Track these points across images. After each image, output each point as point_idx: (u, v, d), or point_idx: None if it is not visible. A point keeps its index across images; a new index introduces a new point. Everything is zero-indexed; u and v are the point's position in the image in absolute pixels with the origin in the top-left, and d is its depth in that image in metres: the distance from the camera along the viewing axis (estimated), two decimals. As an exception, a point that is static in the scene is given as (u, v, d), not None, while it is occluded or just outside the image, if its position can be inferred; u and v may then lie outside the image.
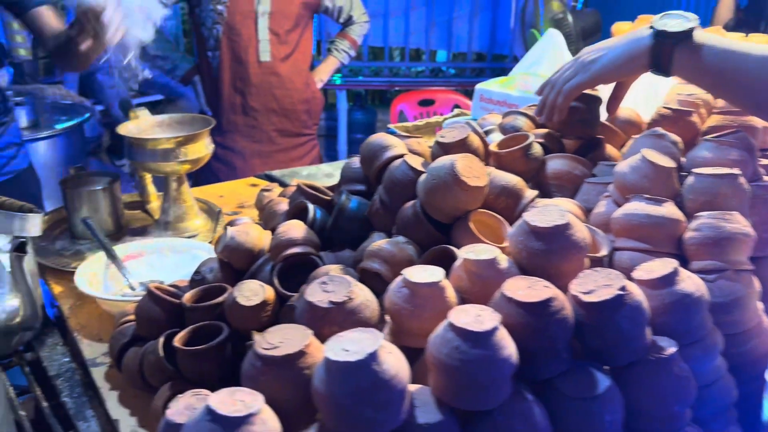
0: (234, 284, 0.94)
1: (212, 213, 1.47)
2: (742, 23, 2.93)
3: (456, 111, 1.85)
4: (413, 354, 0.55)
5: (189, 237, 1.36)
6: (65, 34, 1.38)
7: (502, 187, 0.82)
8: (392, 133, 1.69)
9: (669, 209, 0.68)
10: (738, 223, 0.66)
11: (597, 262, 0.66)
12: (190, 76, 2.31)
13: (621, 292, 0.53)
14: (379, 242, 0.79)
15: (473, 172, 0.77)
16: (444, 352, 0.48)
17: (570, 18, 2.76)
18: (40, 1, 1.44)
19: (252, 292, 0.85)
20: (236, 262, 0.96)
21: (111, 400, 0.90)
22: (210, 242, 1.33)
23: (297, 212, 1.02)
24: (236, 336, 0.85)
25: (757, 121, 0.96)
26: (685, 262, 0.67)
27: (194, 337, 0.85)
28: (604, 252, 0.68)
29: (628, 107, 1.16)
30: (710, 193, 0.71)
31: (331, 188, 1.16)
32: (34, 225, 1.04)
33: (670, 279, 0.58)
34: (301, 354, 0.49)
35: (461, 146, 0.86)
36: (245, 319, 0.83)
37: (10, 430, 0.89)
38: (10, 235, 1.05)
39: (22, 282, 1.01)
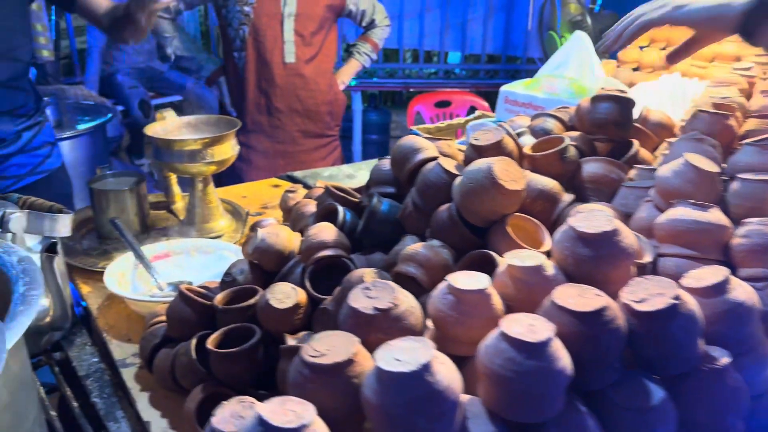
0: (264, 286, 0.93)
1: (237, 213, 1.47)
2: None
3: (477, 113, 1.84)
4: (457, 362, 0.54)
5: (214, 237, 1.36)
6: (120, 9, 1.42)
7: (539, 191, 0.81)
8: (415, 134, 1.68)
9: (715, 215, 0.67)
10: (787, 229, 0.64)
11: (641, 269, 0.65)
12: (216, 77, 2.33)
13: (675, 301, 0.52)
14: (414, 246, 0.78)
15: (511, 175, 0.76)
16: (497, 363, 0.47)
17: (589, 20, 2.74)
18: None
19: (284, 295, 0.84)
20: (266, 264, 0.96)
21: (141, 401, 0.90)
22: (236, 243, 1.33)
23: (326, 214, 1.02)
24: (268, 338, 0.85)
25: (797, 125, 0.94)
26: (731, 269, 0.65)
27: (226, 339, 0.85)
28: (648, 258, 0.67)
29: (658, 110, 1.14)
30: (757, 198, 0.69)
31: (358, 190, 1.15)
32: (64, 225, 1.04)
33: (721, 287, 0.57)
34: (349, 362, 0.49)
35: (496, 149, 0.85)
36: (278, 321, 0.83)
37: (42, 430, 0.89)
38: (40, 235, 1.05)
39: (52, 282, 1.02)
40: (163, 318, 0.96)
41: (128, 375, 0.95)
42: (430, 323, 0.59)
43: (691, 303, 0.54)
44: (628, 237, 0.60)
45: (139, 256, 1.14)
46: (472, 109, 3.64)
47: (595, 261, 0.58)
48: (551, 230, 0.79)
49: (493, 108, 3.42)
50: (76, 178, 1.79)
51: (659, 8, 0.97)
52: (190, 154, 1.29)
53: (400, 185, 0.99)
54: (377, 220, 0.91)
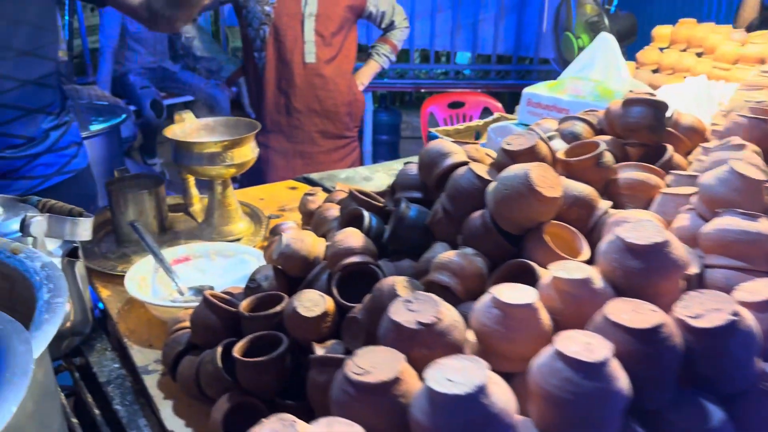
0: (289, 292, 0.92)
1: (255, 216, 1.45)
2: (766, 22, 2.85)
3: (496, 114, 1.81)
4: (503, 378, 0.52)
5: (233, 240, 1.34)
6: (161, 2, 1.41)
7: (575, 198, 0.78)
8: (434, 137, 1.66)
9: (765, 225, 0.64)
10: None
11: (687, 281, 0.63)
12: (236, 78, 2.32)
13: (734, 318, 0.50)
14: (446, 254, 0.76)
15: (548, 181, 0.73)
16: (553, 384, 0.45)
17: (606, 21, 2.71)
18: None
19: (312, 303, 0.82)
20: (291, 270, 0.94)
21: (165, 409, 0.89)
22: (255, 246, 1.31)
23: (351, 219, 1.00)
24: (295, 347, 0.83)
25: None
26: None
27: (252, 347, 0.83)
28: (694, 270, 0.64)
29: (690, 114, 1.11)
30: (807, 208, 0.67)
31: (380, 194, 1.14)
32: (84, 229, 1.03)
33: (777, 301, 0.54)
34: (396, 381, 0.47)
35: (529, 154, 0.83)
36: (305, 329, 0.81)
37: (64, 437, 0.88)
38: (60, 239, 1.04)
39: (73, 287, 1.00)
40: (186, 324, 0.95)
41: (151, 382, 0.94)
42: (470, 336, 0.57)
43: (749, 319, 0.52)
44: (679, 248, 0.58)
45: (160, 260, 1.12)
46: (486, 110, 3.61)
47: (645, 273, 0.56)
48: (588, 238, 0.77)
49: (507, 109, 3.40)
50: (91, 180, 1.77)
51: None
52: (209, 157, 1.27)
53: (428, 190, 0.97)
54: (405, 226, 0.89)
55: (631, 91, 1.20)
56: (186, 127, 1.37)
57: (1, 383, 0.59)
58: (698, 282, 0.66)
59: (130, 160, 3.61)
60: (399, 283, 0.76)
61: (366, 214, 0.96)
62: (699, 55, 2.03)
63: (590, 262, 0.73)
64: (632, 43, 2.95)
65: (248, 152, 1.31)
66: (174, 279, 1.10)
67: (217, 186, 1.34)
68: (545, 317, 0.54)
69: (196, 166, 1.29)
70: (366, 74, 2.43)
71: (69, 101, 1.58)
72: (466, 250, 0.76)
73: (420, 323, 0.52)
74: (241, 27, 2.19)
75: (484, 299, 0.55)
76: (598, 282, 0.57)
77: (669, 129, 1.03)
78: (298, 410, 0.80)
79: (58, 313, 0.74)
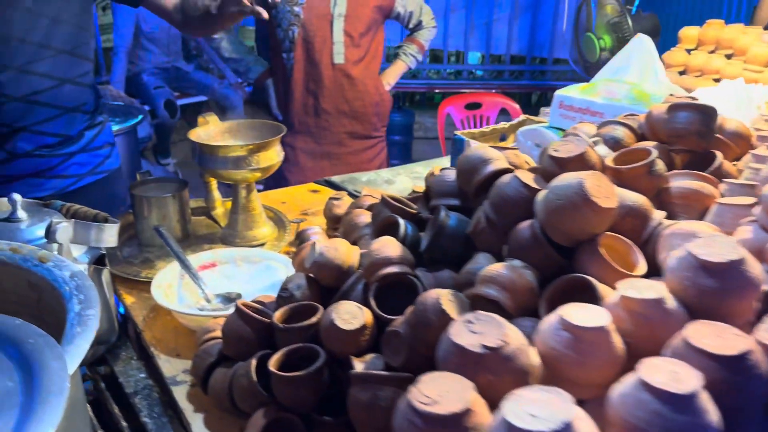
0: (322, 302, 0.89)
1: (279, 221, 1.42)
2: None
3: (522, 117, 1.77)
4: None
5: (257, 245, 1.32)
6: (206, 7, 1.40)
7: (629, 208, 0.75)
8: (459, 140, 1.63)
9: (841, 240, 0.61)
10: None
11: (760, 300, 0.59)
12: (263, 79, 2.29)
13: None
14: (494, 266, 0.73)
15: (603, 191, 0.70)
16: (640, 416, 0.41)
17: (630, 21, 2.66)
18: None
19: (350, 315, 0.79)
20: (325, 279, 0.91)
21: (196, 423, 0.86)
22: (279, 251, 1.28)
23: (385, 227, 0.97)
24: (332, 360, 0.80)
25: None
26: None
27: (287, 359, 0.80)
28: (766, 287, 0.60)
29: (734, 118, 1.07)
30: None
31: (412, 200, 1.10)
32: (110, 235, 1.01)
33: None
34: (467, 412, 0.43)
35: (579, 161, 0.80)
36: (343, 343, 0.78)
37: (92, 451, 0.85)
38: (86, 245, 1.02)
39: (101, 296, 0.98)
40: (217, 334, 0.92)
41: (180, 394, 0.91)
42: (534, 357, 0.53)
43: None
44: (755, 266, 0.54)
45: (187, 267, 1.09)
46: (503, 111, 3.57)
47: (720, 293, 0.52)
48: (642, 251, 0.74)
49: (524, 110, 3.36)
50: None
51: None
52: (234, 161, 1.25)
53: (466, 197, 0.93)
54: (446, 235, 0.86)
55: (671, 95, 1.16)
56: (210, 130, 1.35)
57: (36, 403, 0.56)
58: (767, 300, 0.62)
59: (144, 160, 3.59)
60: (443, 296, 0.72)
61: (401, 221, 0.93)
62: (728, 56, 1.98)
63: (646, 276, 0.70)
64: (656, 43, 2.90)
65: (274, 156, 1.28)
66: (201, 286, 1.08)
67: (241, 190, 1.32)
68: (618, 341, 0.51)
69: (220, 170, 1.26)
70: (393, 74, 2.40)
71: (102, 100, 1.57)
72: (514, 262, 0.73)
73: (485, 347, 0.48)
74: (270, 27, 2.16)
75: (551, 320, 0.52)
76: (671, 302, 0.53)
77: (717, 135, 1.00)
78: (336, 426, 0.77)
79: (90, 326, 0.72)
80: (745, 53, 1.87)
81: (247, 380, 0.80)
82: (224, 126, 1.36)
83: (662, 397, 0.41)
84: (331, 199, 1.37)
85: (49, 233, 0.94)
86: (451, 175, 0.97)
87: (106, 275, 1.00)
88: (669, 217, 0.80)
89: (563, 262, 0.72)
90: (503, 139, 1.79)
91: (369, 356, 0.79)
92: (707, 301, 0.53)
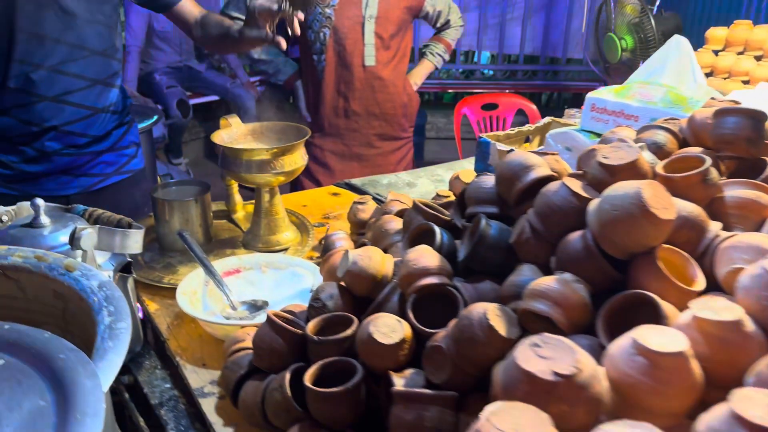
0: (355, 312, 0.85)
1: (302, 225, 1.39)
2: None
3: (547, 119, 1.73)
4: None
5: (280, 250, 1.29)
6: (227, 28, 1.39)
7: (684, 219, 0.71)
8: (485, 142, 1.59)
9: None
10: None
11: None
12: (293, 81, 2.27)
13: None
14: (543, 280, 0.69)
15: (661, 202, 0.66)
16: (737, 454, 0.38)
17: (653, 21, 2.61)
18: None
19: (389, 328, 0.76)
20: (358, 289, 0.88)
21: (225, 437, 0.83)
22: (302, 257, 1.25)
23: (419, 235, 0.93)
24: (369, 374, 0.77)
25: None
26: None
27: (322, 373, 0.77)
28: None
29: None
30: None
31: (444, 206, 1.07)
32: (135, 242, 0.98)
33: None
34: (548, 447, 0.40)
35: (631, 169, 0.76)
36: (382, 357, 0.75)
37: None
38: (110, 252, 0.99)
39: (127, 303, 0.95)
40: (246, 344, 0.89)
41: (208, 406, 0.88)
42: (606, 384, 0.50)
43: None
44: (840, 286, 0.50)
45: (212, 274, 1.06)
46: (520, 112, 3.52)
47: (805, 315, 0.48)
48: (699, 264, 0.70)
49: (541, 111, 3.31)
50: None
51: None
52: (258, 164, 1.22)
53: (505, 205, 0.90)
54: (487, 245, 0.82)
55: (712, 98, 1.12)
56: (232, 132, 1.32)
57: (71, 425, 0.53)
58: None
59: (156, 160, 3.57)
60: (490, 311, 0.69)
61: (437, 230, 0.89)
62: (758, 58, 1.93)
63: (704, 292, 0.66)
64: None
65: (298, 159, 1.25)
66: (226, 293, 1.05)
67: (264, 194, 1.29)
68: (697, 367, 0.47)
69: (244, 174, 1.23)
70: (420, 74, 2.37)
71: (129, 101, 1.56)
72: (565, 275, 0.69)
73: (557, 374, 0.45)
74: (301, 29, 2.14)
75: (623, 344, 0.48)
76: (749, 324, 0.49)
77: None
78: (374, 445, 0.74)
79: (122, 340, 0.68)
80: (776, 54, 1.82)
81: (281, 395, 0.77)
82: (247, 128, 1.33)
83: (763, 434, 0.38)
84: (355, 203, 1.34)
85: (74, 240, 0.91)
86: (489, 181, 0.93)
87: (131, 283, 0.97)
88: (723, 228, 0.76)
89: (618, 277, 0.69)
90: (527, 141, 1.75)
91: (408, 371, 0.76)
92: (790, 324, 0.49)
